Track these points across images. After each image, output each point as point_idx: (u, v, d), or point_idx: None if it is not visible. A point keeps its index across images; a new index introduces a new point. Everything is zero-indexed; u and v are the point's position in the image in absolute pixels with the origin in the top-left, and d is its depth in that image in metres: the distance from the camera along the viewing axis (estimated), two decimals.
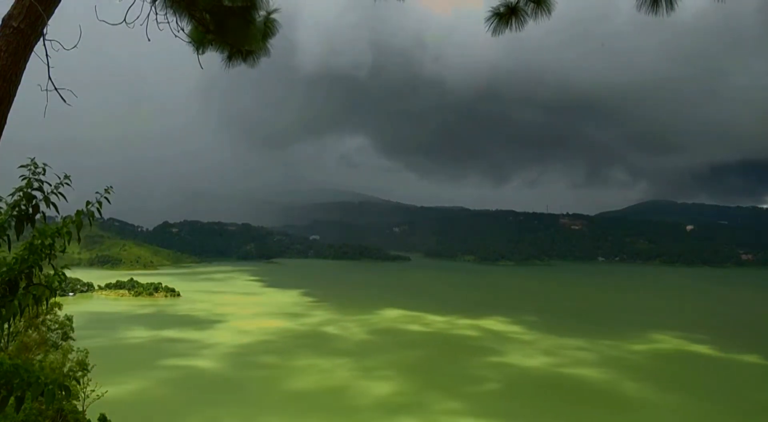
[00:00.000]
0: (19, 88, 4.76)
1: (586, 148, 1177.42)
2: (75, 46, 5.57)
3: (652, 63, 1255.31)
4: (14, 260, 5.04)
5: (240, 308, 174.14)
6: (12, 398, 4.79)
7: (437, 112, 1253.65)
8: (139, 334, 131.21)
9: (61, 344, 40.15)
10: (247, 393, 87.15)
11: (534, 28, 7.34)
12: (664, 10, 6.55)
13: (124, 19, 5.92)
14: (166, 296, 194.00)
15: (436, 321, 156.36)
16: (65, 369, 34.51)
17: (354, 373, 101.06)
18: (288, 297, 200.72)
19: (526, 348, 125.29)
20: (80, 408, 34.85)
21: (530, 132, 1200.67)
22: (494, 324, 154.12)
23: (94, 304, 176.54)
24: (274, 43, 7.40)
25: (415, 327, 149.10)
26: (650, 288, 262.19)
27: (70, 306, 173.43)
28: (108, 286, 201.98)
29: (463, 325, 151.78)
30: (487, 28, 7.20)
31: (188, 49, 7.15)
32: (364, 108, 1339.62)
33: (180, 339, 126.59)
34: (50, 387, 4.83)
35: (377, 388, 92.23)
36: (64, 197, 5.33)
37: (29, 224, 5.21)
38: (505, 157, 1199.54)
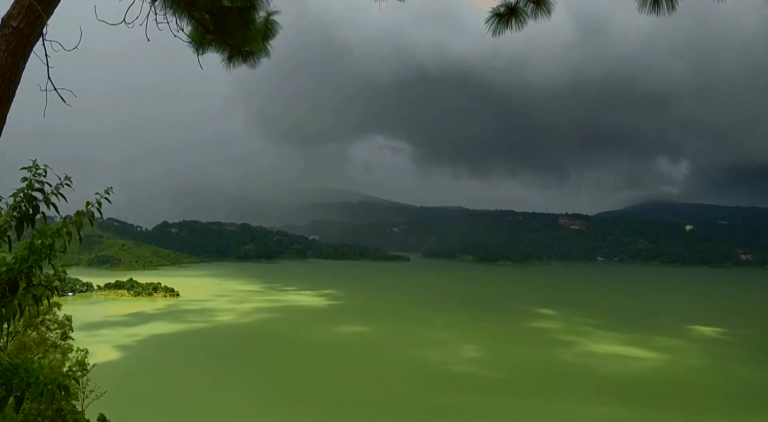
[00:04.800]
0: (19, 88, 4.75)
1: (640, 145, 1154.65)
2: (75, 47, 5.57)
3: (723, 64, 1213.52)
4: (14, 260, 5.04)
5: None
6: (11, 398, 4.78)
7: (485, 113, 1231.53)
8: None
9: (60, 344, 40.08)
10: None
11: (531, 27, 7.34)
12: (665, 11, 6.56)
13: (124, 19, 5.92)
14: (165, 296, 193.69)
15: (488, 319, 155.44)
16: (64, 369, 34.50)
17: (464, 365, 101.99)
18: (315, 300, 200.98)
19: (614, 341, 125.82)
20: (79, 408, 34.87)
21: (574, 132, 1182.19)
22: (576, 323, 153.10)
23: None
24: (274, 43, 7.40)
25: (477, 323, 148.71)
26: (657, 287, 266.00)
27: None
28: (107, 286, 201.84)
29: (524, 320, 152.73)
30: (488, 28, 7.20)
31: (187, 48, 7.17)
32: (407, 111, 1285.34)
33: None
34: (49, 386, 4.83)
35: (494, 376, 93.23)
36: (65, 198, 5.32)
37: (30, 225, 5.21)
38: (556, 158, 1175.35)
